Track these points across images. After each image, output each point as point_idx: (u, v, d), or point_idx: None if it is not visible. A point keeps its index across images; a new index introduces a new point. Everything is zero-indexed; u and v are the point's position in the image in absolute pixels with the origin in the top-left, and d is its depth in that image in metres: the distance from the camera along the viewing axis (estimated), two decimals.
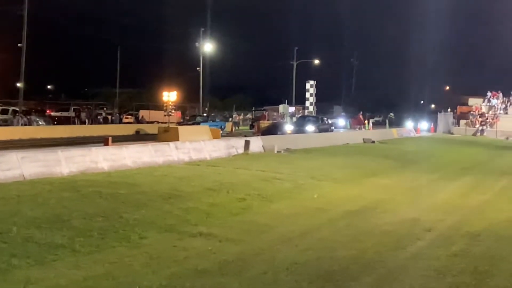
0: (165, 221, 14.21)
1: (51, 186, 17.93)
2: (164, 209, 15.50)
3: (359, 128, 72.00)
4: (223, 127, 63.04)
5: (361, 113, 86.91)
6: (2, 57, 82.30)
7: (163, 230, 13.48)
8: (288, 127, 56.14)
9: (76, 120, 66.32)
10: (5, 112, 59.26)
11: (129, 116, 78.61)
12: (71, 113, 69.07)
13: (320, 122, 60.56)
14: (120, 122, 72.67)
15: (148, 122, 68.70)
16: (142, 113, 79.72)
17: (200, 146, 30.32)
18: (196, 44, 78.98)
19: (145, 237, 12.73)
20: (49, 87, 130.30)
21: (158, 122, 62.09)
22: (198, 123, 57.60)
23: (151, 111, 77.00)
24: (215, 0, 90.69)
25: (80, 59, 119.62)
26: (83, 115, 70.37)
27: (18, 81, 65.90)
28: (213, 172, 23.33)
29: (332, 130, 61.01)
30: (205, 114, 72.10)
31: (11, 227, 12.39)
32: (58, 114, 70.58)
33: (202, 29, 79.08)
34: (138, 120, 75.29)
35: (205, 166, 25.64)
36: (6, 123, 55.13)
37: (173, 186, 19.10)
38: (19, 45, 60.37)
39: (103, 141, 32.64)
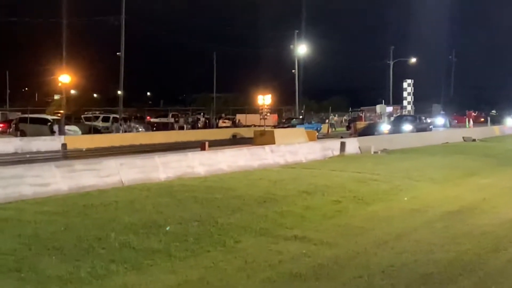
0: (260, 225, 14.19)
1: (148, 191, 18.26)
2: (259, 213, 15.50)
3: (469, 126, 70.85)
4: (319, 129, 62.79)
5: (473, 111, 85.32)
6: (102, 67, 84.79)
7: (258, 234, 13.47)
8: (385, 127, 55.56)
9: (174, 126, 67.45)
10: (106, 119, 60.90)
11: (226, 120, 79.50)
12: (170, 119, 70.29)
13: (417, 121, 59.74)
14: (217, 126, 73.50)
15: (244, 126, 69.23)
16: (239, 117, 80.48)
17: (295, 149, 30.33)
18: (291, 46, 79.07)
19: (239, 241, 12.74)
20: (148, 94, 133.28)
21: (254, 126, 62.50)
22: (294, 126, 57.68)
23: (248, 115, 77.60)
24: (309, 2, 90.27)
25: (178, 66, 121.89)
26: (181, 120, 71.53)
27: (118, 89, 67.58)
28: (308, 174, 23.26)
29: (430, 129, 59.93)
30: (300, 117, 72.00)
31: (110, 233, 12.64)
32: (157, 120, 72.01)
33: (297, 31, 79.08)
34: (234, 124, 76.02)
35: (300, 168, 25.61)
36: (107, 130, 56.64)
37: (268, 189, 19.12)
38: (117, 54, 61.88)
39: (200, 146, 33.06)
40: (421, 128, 57.14)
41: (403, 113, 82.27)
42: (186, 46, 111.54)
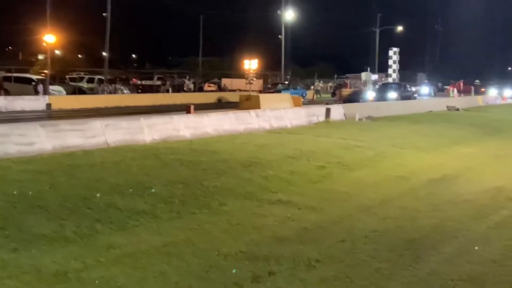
0: (245, 189, 14.26)
1: (133, 153, 18.24)
2: (244, 176, 15.55)
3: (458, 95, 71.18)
4: (304, 95, 62.80)
5: (462, 80, 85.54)
6: (88, 27, 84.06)
7: (243, 197, 13.54)
8: (370, 94, 55.79)
9: (162, 89, 67.19)
10: (91, 81, 60.54)
11: (212, 85, 79.25)
12: (155, 82, 69.96)
13: (402, 89, 60.07)
14: (203, 90, 73.26)
15: (230, 91, 69.03)
16: (225, 81, 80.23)
17: (281, 114, 30.34)
18: (278, 12, 78.60)
19: (225, 204, 12.81)
20: (133, 56, 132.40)
21: (240, 91, 62.33)
22: (279, 91, 57.49)
23: (233, 80, 77.46)
24: None
25: (164, 29, 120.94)
26: (167, 83, 71.24)
27: (103, 50, 67.08)
28: (294, 140, 23.32)
29: (415, 98, 60.31)
30: (286, 82, 71.83)
31: (95, 193, 12.65)
32: (142, 82, 71.69)
33: None
34: (220, 89, 75.82)
35: (285, 134, 25.66)
36: (92, 91, 56.33)
37: (253, 154, 19.16)
38: (103, 14, 61.31)
39: (185, 109, 32.97)
40: (406, 96, 57.43)
41: (388, 81, 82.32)
42: (173, 8, 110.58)
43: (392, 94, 55.85)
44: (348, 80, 78.98)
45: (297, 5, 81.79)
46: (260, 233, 10.78)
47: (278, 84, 68.82)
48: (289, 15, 78.43)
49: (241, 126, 26.44)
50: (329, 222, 11.75)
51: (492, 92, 77.32)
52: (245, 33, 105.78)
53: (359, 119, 34.36)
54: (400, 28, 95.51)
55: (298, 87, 70.81)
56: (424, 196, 14.59)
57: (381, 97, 54.12)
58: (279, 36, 77.74)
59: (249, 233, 10.71)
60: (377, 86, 69.29)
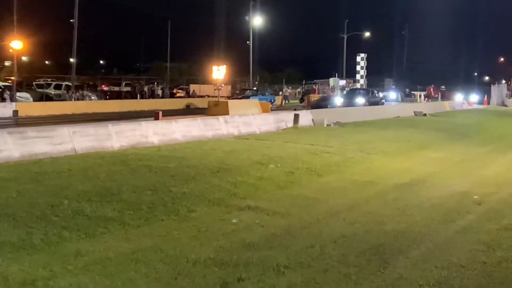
0: (214, 195, 14.26)
1: (101, 160, 18.17)
2: (212, 182, 15.56)
3: (431, 100, 71.77)
4: (272, 100, 62.89)
5: (433, 85, 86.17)
6: (55, 33, 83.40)
7: (212, 203, 13.55)
8: (338, 100, 56.15)
9: (133, 94, 66.97)
10: (58, 87, 60.06)
11: (180, 91, 79.08)
12: (123, 88, 69.65)
13: (370, 95, 60.56)
14: (171, 96, 73.06)
15: (198, 96, 68.96)
16: (193, 87, 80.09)
17: (249, 120, 30.42)
18: (246, 17, 78.73)
19: (193, 210, 12.81)
20: (101, 62, 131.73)
21: (208, 96, 62.31)
22: (248, 97, 57.52)
23: (202, 85, 77.32)
24: None
25: (132, 34, 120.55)
26: (135, 89, 70.97)
27: (70, 56, 66.64)
28: (262, 145, 23.37)
29: (383, 103, 60.87)
30: (255, 88, 71.93)
31: (63, 200, 12.59)
32: (110, 88, 71.34)
33: (252, 2, 78.74)
34: (188, 95, 75.67)
35: (254, 140, 25.71)
36: (59, 98, 55.89)
37: (222, 159, 19.18)
38: (71, 20, 60.89)
39: (153, 115, 32.90)
40: (374, 101, 57.78)
41: (356, 86, 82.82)
42: (140, 13, 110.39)
43: (360, 100, 56.21)
44: (316, 86, 79.35)
45: (265, 11, 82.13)
46: (228, 239, 10.78)
47: (247, 90, 68.84)
48: (257, 21, 78.57)
49: (210, 132, 26.46)
50: (297, 228, 11.79)
51: (459, 97, 78.15)
52: (213, 38, 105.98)
53: (327, 124, 34.54)
54: (367, 34, 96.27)
55: (266, 93, 70.84)
56: (391, 201, 14.69)
57: (349, 102, 54.53)
58: (247, 42, 77.86)
59: (218, 240, 10.71)
60: (344, 92, 69.75)
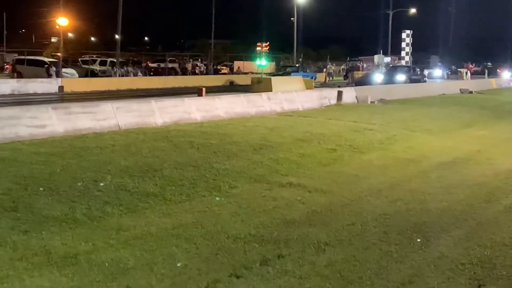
0: (255, 171, 14.27)
1: (144, 136, 18.28)
2: (254, 159, 15.55)
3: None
4: (314, 78, 62.18)
5: (469, 63, 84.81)
6: (100, 10, 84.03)
7: (253, 180, 13.55)
8: (378, 77, 55.27)
9: (177, 71, 67.19)
10: (103, 63, 60.59)
11: (224, 67, 79.12)
12: (167, 64, 69.94)
13: (411, 72, 58.94)
14: (216, 73, 73.13)
15: (243, 73, 68.89)
16: (237, 64, 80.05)
17: (292, 96, 30.27)
18: None
19: (234, 186, 12.83)
20: (146, 38, 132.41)
21: (252, 73, 62.18)
22: (289, 74, 57.00)
23: (245, 62, 77.19)
24: None
25: (176, 11, 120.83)
26: (179, 66, 71.19)
27: (115, 33, 67.05)
28: (305, 122, 23.28)
29: (424, 81, 59.21)
30: (297, 65, 71.32)
31: (106, 176, 12.71)
32: (154, 65, 71.67)
33: None
34: (232, 71, 75.69)
35: (297, 116, 25.62)
36: (104, 74, 56.38)
37: (264, 136, 19.14)
38: None
39: (197, 91, 32.99)
40: (415, 79, 56.15)
41: (401, 63, 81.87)
42: None
43: (401, 77, 54.78)
44: (361, 63, 78.58)
45: None
46: (270, 215, 10.78)
47: (288, 67, 67.95)
48: None
49: (253, 109, 26.41)
50: (338, 205, 11.75)
51: (506, 74, 76.80)
52: (258, 15, 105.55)
53: (371, 102, 34.25)
54: (413, 11, 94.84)
55: (308, 70, 70.09)
56: (434, 179, 14.55)
57: (389, 79, 53.25)
58: (291, 18, 77.33)
59: (258, 216, 10.72)
60: (384, 69, 68.67)
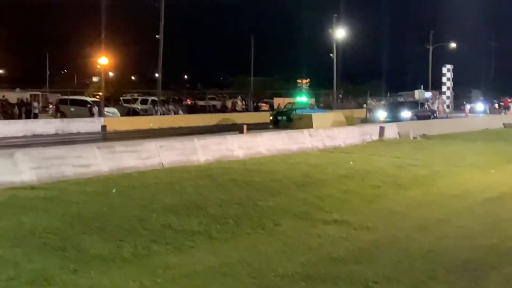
0: (299, 208, 14.24)
1: (188, 173, 18.38)
2: (298, 196, 15.53)
3: (504, 113, 68.60)
4: None
5: (507, 97, 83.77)
6: (140, 49, 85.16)
7: (297, 217, 13.52)
8: (381, 114, 52.01)
9: (217, 108, 67.52)
10: (144, 102, 61.25)
11: (264, 104, 79.32)
12: (208, 102, 70.39)
13: (419, 107, 54.80)
14: (256, 110, 73.32)
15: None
16: (277, 100, 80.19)
17: (333, 133, 30.28)
18: (329, 30, 78.40)
19: (279, 224, 12.80)
20: (185, 77, 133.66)
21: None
22: (294, 110, 49.57)
23: (285, 99, 77.34)
24: None
25: (215, 49, 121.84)
26: (218, 103, 71.63)
27: (155, 71, 67.82)
28: (347, 159, 23.22)
29: (435, 117, 54.56)
30: (309, 102, 65.19)
31: (151, 214, 12.77)
32: (194, 103, 72.21)
33: (335, 15, 78.41)
34: (273, 108, 75.82)
35: (338, 153, 25.58)
36: (146, 112, 56.96)
37: (307, 173, 19.13)
38: (156, 36, 61.87)
39: (238, 129, 33.16)
40: (424, 115, 51.90)
41: (443, 98, 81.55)
42: (223, 28, 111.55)
43: (406, 113, 50.92)
44: (401, 99, 78.27)
45: (348, 23, 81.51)
46: (315, 253, 10.73)
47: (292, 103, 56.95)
48: (340, 33, 78.14)
49: (294, 146, 26.45)
50: (384, 242, 11.65)
51: None
52: (296, 51, 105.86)
53: (414, 137, 34.09)
54: (453, 45, 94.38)
55: (315, 107, 60.57)
56: (481, 215, 14.35)
57: (393, 116, 49.38)
58: (330, 54, 77.52)
59: (304, 254, 10.66)
60: (383, 103, 63.90)
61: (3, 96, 57.18)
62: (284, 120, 46.37)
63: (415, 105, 55.13)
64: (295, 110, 48.89)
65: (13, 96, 59.32)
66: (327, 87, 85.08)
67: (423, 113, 52.57)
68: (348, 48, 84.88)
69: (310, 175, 18.68)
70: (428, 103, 59.73)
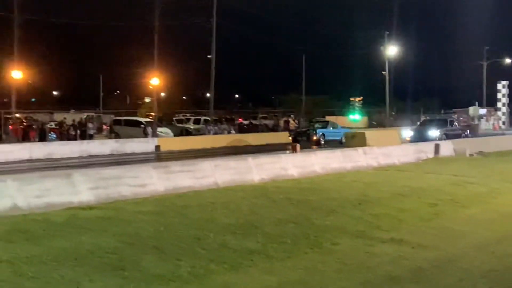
0: (356, 227, 14.15)
1: (243, 193, 18.42)
2: (354, 215, 15.45)
3: None
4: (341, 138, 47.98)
5: None
6: (191, 69, 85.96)
7: (354, 236, 13.42)
8: (407, 134, 48.09)
9: (269, 127, 67.61)
10: (197, 122, 61.76)
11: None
12: (260, 121, 70.62)
13: (448, 125, 50.26)
14: None
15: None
16: (329, 119, 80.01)
17: (388, 151, 30.06)
18: (381, 47, 78.11)
19: (336, 243, 12.72)
20: (236, 96, 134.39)
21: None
22: (314, 130, 48.52)
23: (338, 117, 77.19)
24: (401, 3, 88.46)
25: (266, 68, 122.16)
26: (270, 122, 71.80)
27: (206, 91, 68.35)
28: (403, 177, 23.05)
29: (466, 135, 50.49)
30: (327, 121, 61.02)
31: (208, 233, 12.82)
32: (247, 122, 72.54)
33: (387, 32, 78.11)
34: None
35: (394, 171, 25.39)
36: (198, 132, 57.40)
37: (362, 191, 19.04)
38: (208, 56, 62.44)
39: (291, 147, 33.17)
40: (454, 134, 47.68)
41: (498, 115, 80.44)
42: (274, 47, 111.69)
43: (434, 133, 46.82)
44: (455, 116, 77.39)
45: (400, 40, 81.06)
46: (374, 272, 10.63)
47: (316, 122, 54.87)
48: (392, 50, 77.73)
49: (349, 164, 26.33)
50: (444, 261, 11.49)
51: None
52: (349, 69, 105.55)
53: (470, 154, 33.67)
54: (508, 61, 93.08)
55: (339, 126, 53.70)
56: None
57: (420, 136, 45.33)
58: (383, 72, 77.18)
59: (363, 273, 10.58)
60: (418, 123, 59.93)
61: (64, 118, 58.26)
62: (304, 141, 45.01)
63: (443, 123, 51.25)
64: (315, 130, 47.95)
65: (68, 117, 60.35)
66: (379, 105, 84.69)
67: (453, 132, 48.97)
68: (399, 65, 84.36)
69: (366, 194, 18.58)
70: (455, 120, 55.14)
